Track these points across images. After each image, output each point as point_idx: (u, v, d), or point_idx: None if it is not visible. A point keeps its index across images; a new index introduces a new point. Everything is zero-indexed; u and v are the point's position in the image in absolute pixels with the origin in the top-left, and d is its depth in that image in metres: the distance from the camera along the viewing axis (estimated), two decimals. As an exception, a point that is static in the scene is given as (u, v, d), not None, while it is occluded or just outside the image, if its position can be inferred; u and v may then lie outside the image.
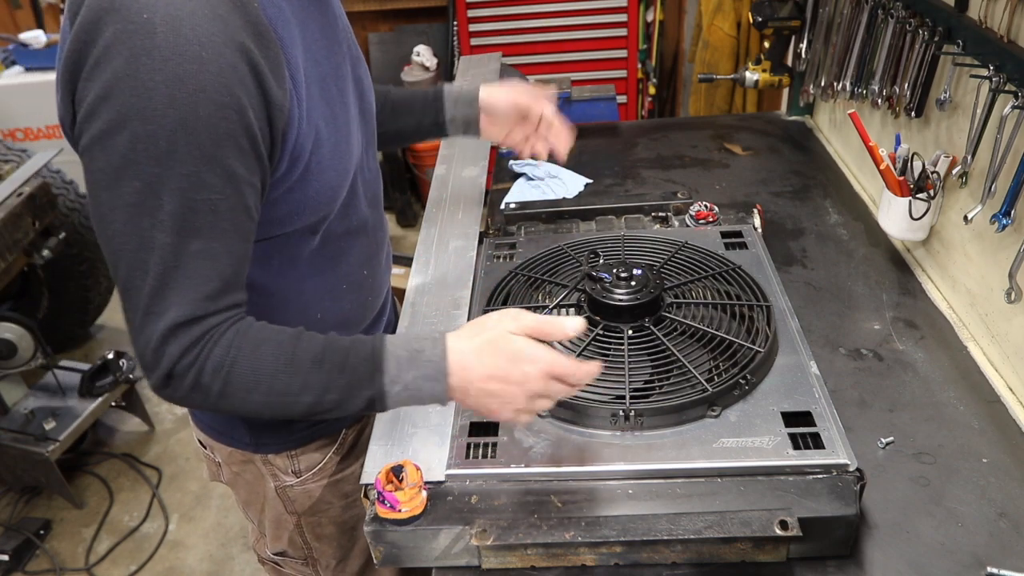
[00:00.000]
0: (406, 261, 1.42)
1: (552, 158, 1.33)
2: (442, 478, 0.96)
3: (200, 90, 0.74)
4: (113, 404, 2.67)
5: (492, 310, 1.19)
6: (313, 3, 0.93)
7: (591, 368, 0.89)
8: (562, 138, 1.29)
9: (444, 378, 0.86)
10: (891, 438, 1.08)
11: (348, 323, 1.10)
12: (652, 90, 3.45)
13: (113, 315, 3.26)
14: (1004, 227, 1.12)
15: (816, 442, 0.95)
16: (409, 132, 1.32)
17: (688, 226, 1.46)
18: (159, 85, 0.72)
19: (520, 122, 1.29)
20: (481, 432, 1.01)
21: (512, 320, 0.88)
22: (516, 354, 0.86)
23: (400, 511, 0.90)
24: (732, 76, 2.06)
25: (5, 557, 2.29)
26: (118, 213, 0.76)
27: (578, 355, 1.08)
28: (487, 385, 0.86)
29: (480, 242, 1.42)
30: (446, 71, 3.57)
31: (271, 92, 0.80)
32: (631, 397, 1.00)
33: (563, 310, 1.19)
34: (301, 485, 1.18)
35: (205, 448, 1.24)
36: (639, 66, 3.31)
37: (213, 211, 0.78)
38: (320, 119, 0.90)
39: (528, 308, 1.19)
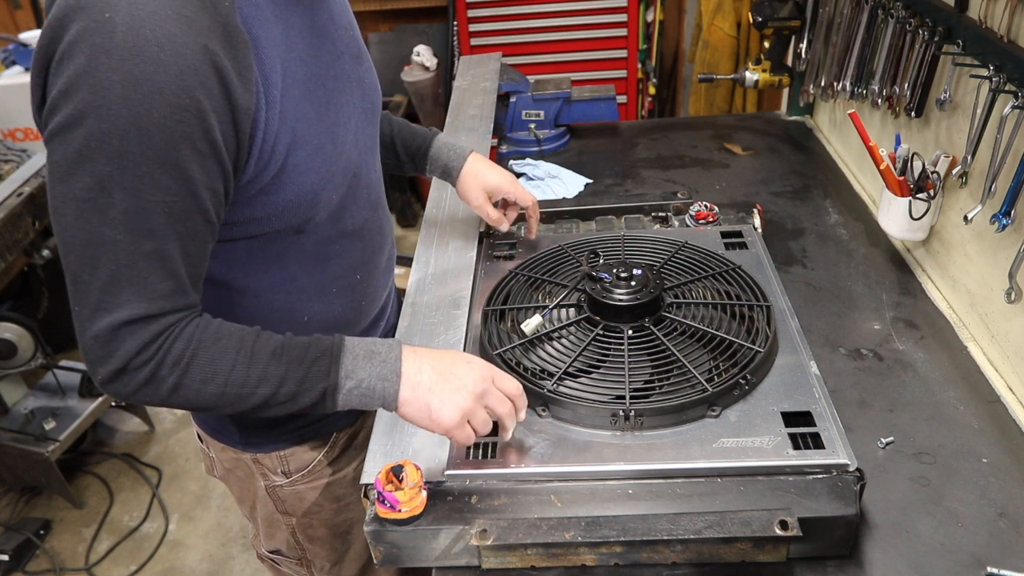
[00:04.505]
0: (406, 261, 1.41)
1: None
2: (442, 478, 0.96)
3: (157, 92, 0.73)
4: (113, 404, 2.68)
5: (492, 310, 1.19)
6: (300, 4, 0.91)
7: (523, 400, 0.96)
8: (535, 218, 1.39)
9: (396, 379, 0.88)
10: (891, 438, 1.08)
11: (339, 326, 1.09)
12: (652, 90, 3.45)
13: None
14: (1004, 227, 1.12)
15: (816, 442, 0.95)
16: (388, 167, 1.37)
17: (688, 226, 1.46)
18: (115, 84, 0.72)
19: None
20: (481, 432, 1.02)
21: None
22: (461, 357, 0.93)
23: (400, 511, 0.90)
24: (732, 76, 2.06)
25: (5, 557, 2.29)
26: (70, 207, 0.77)
27: (578, 355, 1.08)
28: (434, 384, 0.89)
29: (480, 242, 1.42)
30: (446, 71, 3.57)
31: (236, 96, 0.79)
32: (631, 397, 1.00)
33: (563, 310, 1.19)
34: (291, 486, 1.18)
35: (202, 442, 1.24)
36: (639, 66, 3.31)
37: (168, 213, 0.78)
38: (300, 121, 0.89)
39: (528, 308, 1.19)
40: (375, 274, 1.14)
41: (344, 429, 1.19)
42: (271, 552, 1.32)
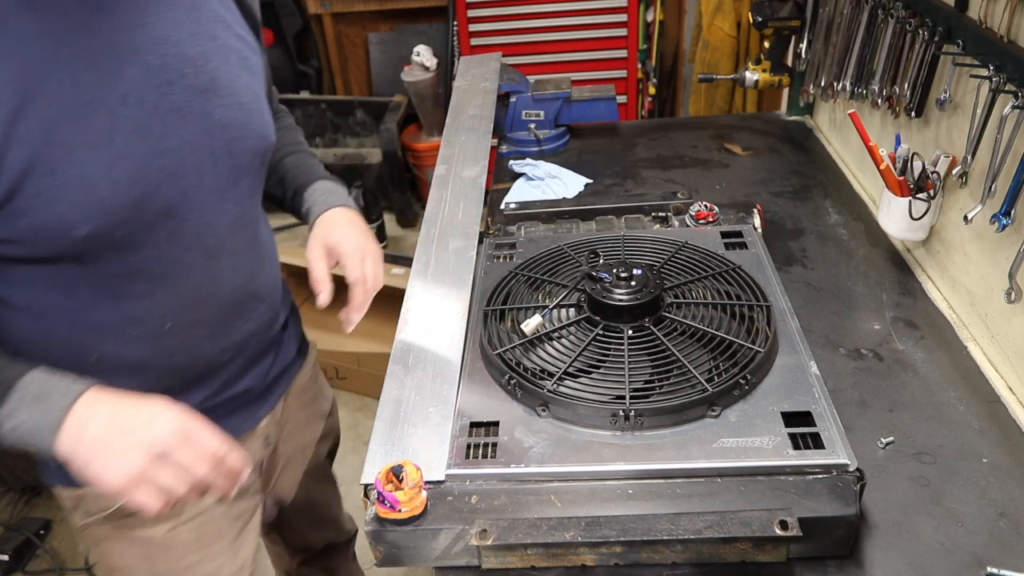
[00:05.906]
0: (406, 261, 1.41)
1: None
2: (442, 478, 0.96)
3: None
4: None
5: (492, 310, 1.19)
6: (93, 24, 0.84)
7: (238, 456, 0.86)
8: (357, 302, 1.13)
9: (52, 430, 0.79)
10: (891, 438, 1.08)
11: (140, 375, 0.99)
12: (652, 90, 3.45)
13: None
14: (1004, 227, 1.12)
15: (816, 442, 0.95)
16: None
17: (688, 226, 1.46)
18: None
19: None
20: (481, 432, 1.01)
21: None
22: (155, 409, 0.83)
23: (400, 511, 0.90)
24: (732, 76, 2.06)
25: (5, 557, 2.29)
26: None
27: (578, 355, 1.08)
28: (100, 438, 0.80)
29: (480, 242, 1.42)
30: (446, 71, 3.57)
31: None
32: (631, 397, 1.00)
33: (563, 310, 1.19)
34: (96, 528, 1.07)
35: None
36: (639, 66, 3.31)
37: None
38: (50, 147, 0.81)
39: (528, 308, 1.19)
40: (201, 330, 1.02)
41: None
42: None
